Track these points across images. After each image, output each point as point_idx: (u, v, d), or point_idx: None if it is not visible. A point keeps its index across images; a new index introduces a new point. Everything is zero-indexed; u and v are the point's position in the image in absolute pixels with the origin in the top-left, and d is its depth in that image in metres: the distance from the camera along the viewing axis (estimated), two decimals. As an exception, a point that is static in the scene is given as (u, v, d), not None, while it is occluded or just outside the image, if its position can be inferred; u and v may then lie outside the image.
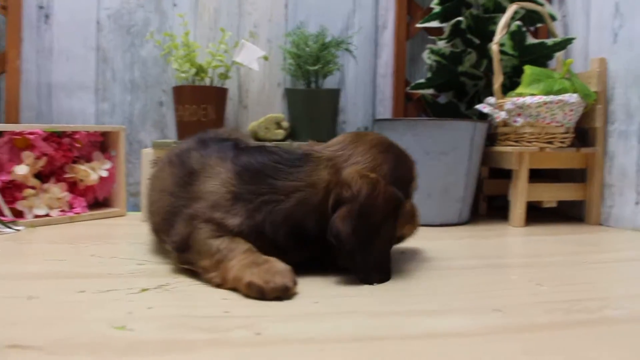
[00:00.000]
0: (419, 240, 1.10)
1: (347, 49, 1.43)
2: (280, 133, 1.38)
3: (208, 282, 0.73)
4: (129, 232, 1.14)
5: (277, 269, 0.69)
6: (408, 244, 0.92)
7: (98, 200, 1.39)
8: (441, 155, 1.25)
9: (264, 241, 0.75)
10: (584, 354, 0.51)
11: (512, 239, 1.17)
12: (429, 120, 1.29)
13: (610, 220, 1.29)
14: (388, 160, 0.79)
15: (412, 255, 0.96)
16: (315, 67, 1.34)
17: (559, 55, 1.40)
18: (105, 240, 1.06)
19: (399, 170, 0.81)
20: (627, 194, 1.25)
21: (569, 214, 1.44)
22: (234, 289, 0.70)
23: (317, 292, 0.71)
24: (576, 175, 1.38)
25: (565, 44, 1.36)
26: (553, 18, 1.43)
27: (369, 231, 0.74)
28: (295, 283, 0.69)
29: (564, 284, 0.78)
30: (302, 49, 1.34)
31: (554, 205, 1.34)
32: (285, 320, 0.59)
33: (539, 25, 1.53)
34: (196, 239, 0.76)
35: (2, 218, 1.13)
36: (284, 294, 0.66)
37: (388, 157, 0.80)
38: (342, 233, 0.72)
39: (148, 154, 1.29)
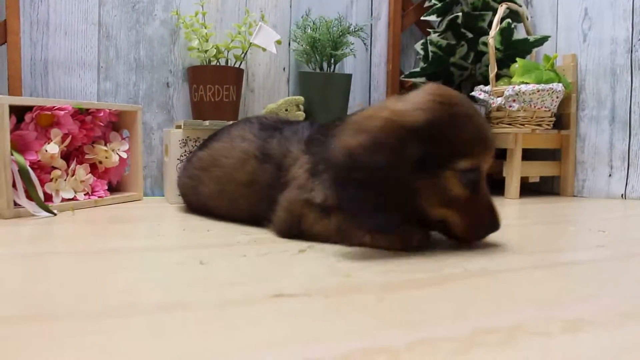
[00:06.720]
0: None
1: (359, 37, 1.51)
2: (301, 114, 1.42)
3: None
4: (173, 213, 1.12)
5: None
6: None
7: (111, 183, 1.32)
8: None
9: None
10: None
11: (521, 206, 1.33)
12: (443, 104, 1.42)
13: (583, 192, 1.52)
14: None
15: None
16: (337, 52, 1.40)
17: (534, 50, 1.61)
18: (170, 220, 1.03)
19: None
20: (600, 169, 1.48)
21: (542, 189, 1.66)
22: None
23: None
24: (547, 155, 1.59)
25: (542, 41, 1.56)
26: (527, 18, 1.64)
27: None
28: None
29: (617, 232, 0.94)
30: (323, 34, 1.39)
31: (537, 180, 1.54)
32: (473, 259, 0.67)
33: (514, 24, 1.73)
34: (308, 222, 0.80)
35: (42, 201, 1.05)
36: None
37: None
38: None
39: (177, 134, 1.26)
